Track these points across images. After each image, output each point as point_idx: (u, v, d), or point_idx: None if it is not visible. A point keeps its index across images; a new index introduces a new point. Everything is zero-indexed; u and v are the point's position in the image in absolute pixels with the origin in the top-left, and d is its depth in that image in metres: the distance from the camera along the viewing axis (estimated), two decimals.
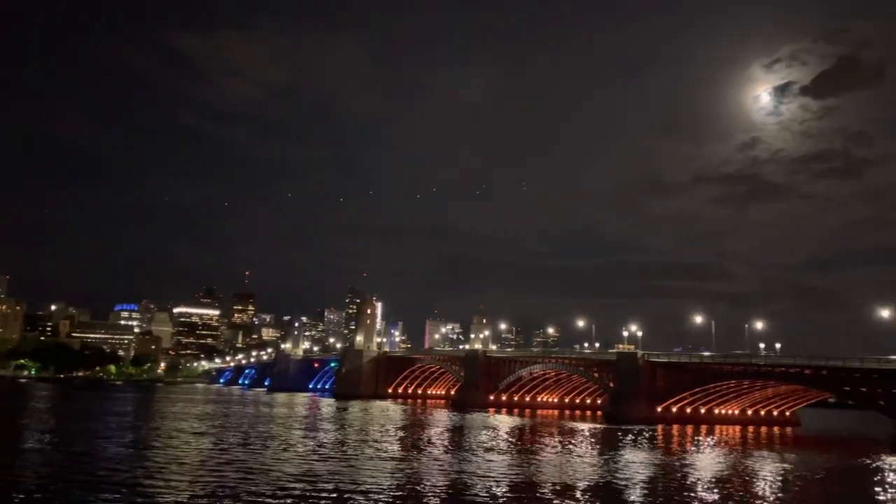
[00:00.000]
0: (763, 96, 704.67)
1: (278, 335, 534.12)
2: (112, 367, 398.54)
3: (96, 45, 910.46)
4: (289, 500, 39.45)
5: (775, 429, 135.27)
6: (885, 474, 64.82)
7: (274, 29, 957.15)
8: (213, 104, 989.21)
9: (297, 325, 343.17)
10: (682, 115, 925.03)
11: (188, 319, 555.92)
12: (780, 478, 58.99)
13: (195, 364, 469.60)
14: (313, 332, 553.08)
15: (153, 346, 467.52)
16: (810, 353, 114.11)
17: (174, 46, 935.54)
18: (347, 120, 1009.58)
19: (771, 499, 48.37)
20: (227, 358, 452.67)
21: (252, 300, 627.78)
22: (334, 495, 41.38)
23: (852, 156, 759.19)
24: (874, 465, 72.08)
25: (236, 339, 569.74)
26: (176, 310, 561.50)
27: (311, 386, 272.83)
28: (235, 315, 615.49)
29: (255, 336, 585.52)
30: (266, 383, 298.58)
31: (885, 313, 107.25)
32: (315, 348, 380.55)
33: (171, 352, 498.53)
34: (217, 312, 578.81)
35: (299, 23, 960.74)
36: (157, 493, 39.93)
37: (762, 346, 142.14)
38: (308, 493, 41.52)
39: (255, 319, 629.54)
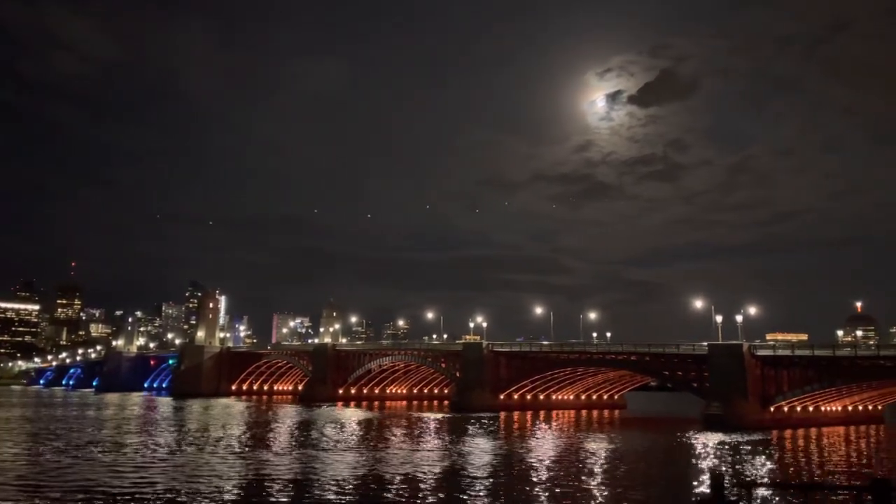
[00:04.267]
0: (598, 102, 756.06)
1: (109, 331, 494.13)
2: None
3: None
4: None
5: (605, 412, 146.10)
6: (695, 448, 72.72)
7: (107, 2, 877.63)
8: (35, 80, 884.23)
9: (130, 320, 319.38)
10: (525, 117, 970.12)
11: (2, 315, 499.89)
12: (606, 455, 63.98)
13: (10, 364, 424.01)
14: (150, 328, 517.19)
15: None
16: (636, 341, 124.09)
17: None
18: (190, 104, 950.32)
19: (598, 474, 52.01)
20: (49, 357, 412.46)
21: (78, 293, 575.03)
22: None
23: (671, 161, 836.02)
24: (687, 441, 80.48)
25: (60, 336, 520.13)
26: None
27: (146, 385, 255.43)
28: (59, 310, 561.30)
29: (81, 333, 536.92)
30: (94, 383, 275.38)
31: (697, 303, 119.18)
32: (151, 345, 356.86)
33: None
34: (36, 307, 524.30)
35: None
36: None
37: (595, 335, 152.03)
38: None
39: (81, 314, 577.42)
